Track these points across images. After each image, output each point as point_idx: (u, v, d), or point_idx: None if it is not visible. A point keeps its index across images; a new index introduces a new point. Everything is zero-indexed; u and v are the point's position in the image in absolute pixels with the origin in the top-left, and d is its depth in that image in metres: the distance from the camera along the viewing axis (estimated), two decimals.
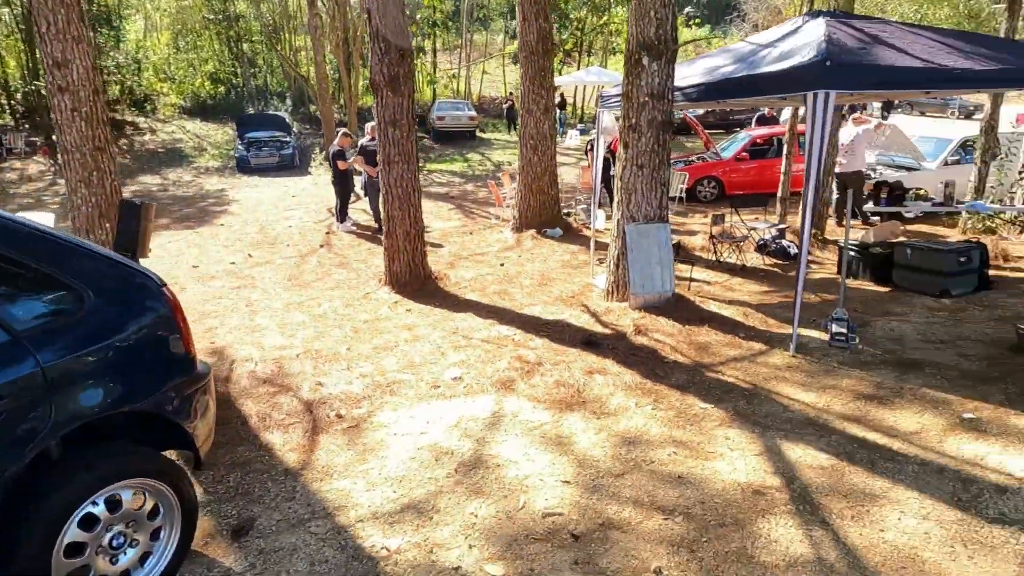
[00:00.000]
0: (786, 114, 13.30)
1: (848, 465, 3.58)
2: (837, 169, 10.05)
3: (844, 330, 5.44)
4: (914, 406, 4.25)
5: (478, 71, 32.12)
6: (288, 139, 20.00)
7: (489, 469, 3.65)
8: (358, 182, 12.67)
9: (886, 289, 7.10)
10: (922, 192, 8.02)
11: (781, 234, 9.09)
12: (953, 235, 9.11)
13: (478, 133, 24.43)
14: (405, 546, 3.03)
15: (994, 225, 9.29)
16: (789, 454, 3.72)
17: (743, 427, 4.05)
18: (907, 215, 10.09)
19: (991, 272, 7.10)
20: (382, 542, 3.06)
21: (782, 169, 9.37)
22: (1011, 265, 7.81)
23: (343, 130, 11.88)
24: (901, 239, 7.62)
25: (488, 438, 4.01)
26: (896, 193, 7.81)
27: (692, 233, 10.23)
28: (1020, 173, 8.90)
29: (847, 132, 9.98)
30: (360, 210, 13.08)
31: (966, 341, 5.35)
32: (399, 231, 7.57)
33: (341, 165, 11.37)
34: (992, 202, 8.89)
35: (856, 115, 10.90)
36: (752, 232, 8.73)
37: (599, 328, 5.96)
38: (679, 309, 6.32)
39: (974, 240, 7.15)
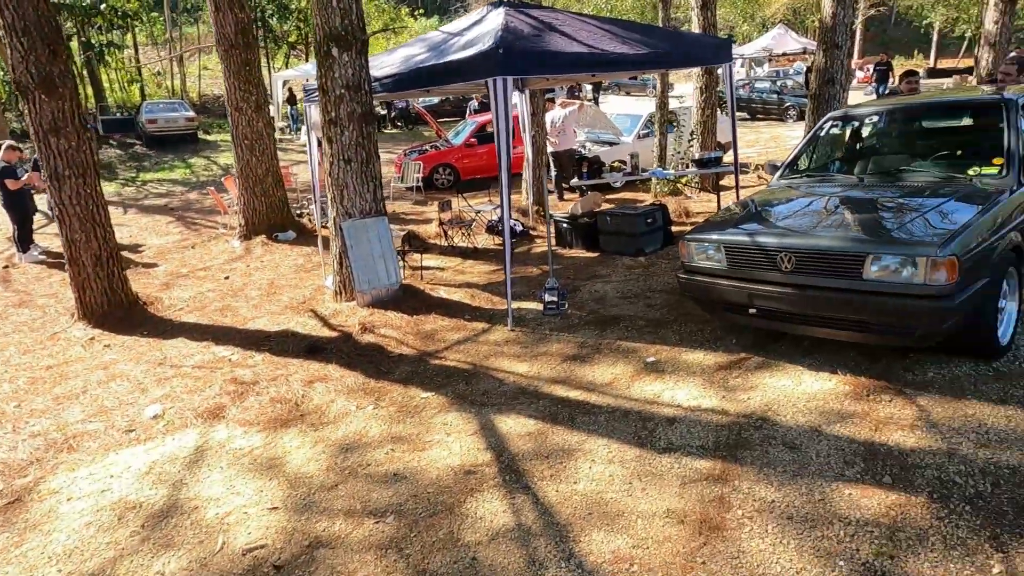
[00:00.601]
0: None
1: (552, 426, 3.84)
2: (551, 148, 10.88)
3: (555, 298, 5.86)
4: (609, 359, 4.71)
5: (195, 67, 29.20)
6: None
7: (185, 515, 3.26)
8: (44, 200, 10.71)
9: (595, 254, 7.85)
10: (616, 164, 8.99)
11: None
12: (648, 199, 10.39)
13: (201, 135, 22.24)
14: None
15: (679, 187, 10.80)
16: (501, 427, 3.88)
17: (461, 409, 4.14)
18: (615, 185, 11.29)
19: (675, 228, 8.22)
20: None
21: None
22: (691, 220, 9.11)
23: (7, 142, 9.92)
24: (604, 208, 8.46)
25: (187, 479, 3.58)
26: (595, 167, 8.66)
27: (428, 221, 10.36)
28: (689, 141, 10.44)
29: (556, 114, 10.82)
30: (52, 234, 11.12)
31: (653, 293, 6.09)
32: (86, 256, 6.52)
33: (11, 184, 9.51)
34: (672, 168, 10.28)
35: (562, 99, 11.88)
36: (479, 215, 9.07)
37: (326, 332, 5.72)
38: (409, 300, 6.31)
39: (658, 203, 8.20)
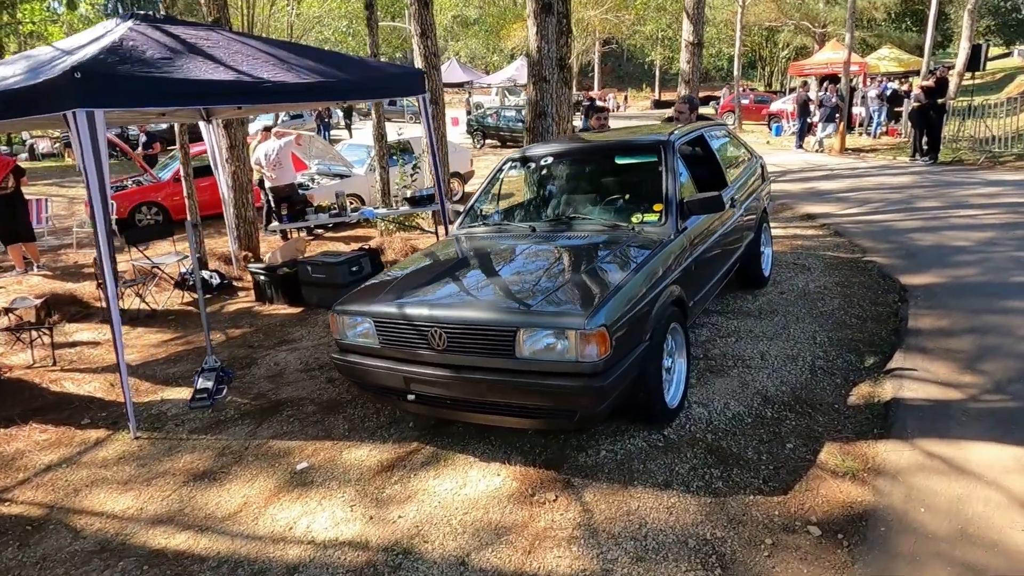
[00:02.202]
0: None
1: None
2: (269, 184, 9.61)
3: (210, 384, 4.67)
4: (250, 471, 3.66)
5: None
6: None
7: None
8: None
9: (298, 310, 6.77)
10: (323, 204, 8.01)
11: (201, 264, 8.10)
12: (375, 237, 9.56)
13: None
14: None
15: (416, 222, 10.09)
16: None
17: None
18: (347, 221, 10.29)
19: None
20: None
21: (185, 192, 8.34)
22: None
23: None
24: (307, 255, 7.41)
25: None
26: (298, 208, 7.61)
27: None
28: (412, 176, 9.84)
29: (270, 145, 9.57)
30: None
31: None
32: None
33: None
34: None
35: (277, 128, 10.62)
36: (157, 268, 7.49)
37: None
38: (6, 404, 4.69)
39: (364, 248, 7.35)
